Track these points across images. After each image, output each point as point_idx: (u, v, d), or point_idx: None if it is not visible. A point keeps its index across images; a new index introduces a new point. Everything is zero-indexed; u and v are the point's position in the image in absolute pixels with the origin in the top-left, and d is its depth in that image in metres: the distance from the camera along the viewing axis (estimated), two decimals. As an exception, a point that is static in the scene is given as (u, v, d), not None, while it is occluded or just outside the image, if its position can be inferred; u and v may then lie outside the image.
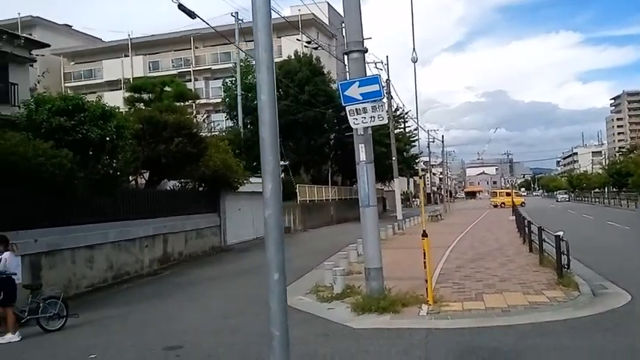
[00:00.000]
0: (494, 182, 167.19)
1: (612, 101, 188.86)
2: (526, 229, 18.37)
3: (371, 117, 9.23)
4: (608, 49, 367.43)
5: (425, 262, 9.49)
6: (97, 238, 14.31)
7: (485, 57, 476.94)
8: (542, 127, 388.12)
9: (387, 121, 9.54)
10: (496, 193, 70.96)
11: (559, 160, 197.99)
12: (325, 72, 40.50)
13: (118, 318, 10.31)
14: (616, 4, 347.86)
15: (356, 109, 9.28)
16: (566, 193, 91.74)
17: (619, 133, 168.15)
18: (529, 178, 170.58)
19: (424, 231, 9.61)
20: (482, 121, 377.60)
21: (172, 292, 12.97)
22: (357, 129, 9.54)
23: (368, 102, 9.22)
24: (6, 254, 8.88)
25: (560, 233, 11.44)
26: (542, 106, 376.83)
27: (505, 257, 15.52)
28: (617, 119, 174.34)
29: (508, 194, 60.69)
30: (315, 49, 35.92)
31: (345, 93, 9.39)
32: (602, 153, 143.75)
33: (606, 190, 72.94)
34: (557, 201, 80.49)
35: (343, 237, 23.94)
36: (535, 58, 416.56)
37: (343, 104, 9.47)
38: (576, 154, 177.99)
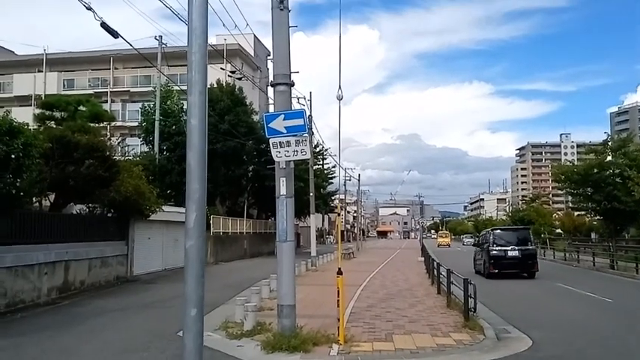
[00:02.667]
0: (406, 223, 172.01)
1: (518, 151, 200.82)
2: (435, 271, 18.84)
3: (294, 151, 9.20)
4: (516, 101, 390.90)
5: (338, 301, 9.45)
6: (-9, 262, 13.29)
7: (402, 101, 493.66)
8: (453, 172, 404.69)
9: (309, 156, 9.56)
10: (445, 234, 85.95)
11: (466, 204, 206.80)
12: (247, 103, 40.44)
13: (10, 350, 9.50)
14: (524, 61, 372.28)
15: (279, 142, 9.24)
16: (472, 237, 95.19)
17: (522, 182, 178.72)
18: (438, 221, 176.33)
19: (339, 269, 9.59)
20: (397, 163, 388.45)
21: (71, 323, 12.16)
22: (279, 162, 9.48)
23: (292, 136, 9.21)
24: None
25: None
26: (453, 152, 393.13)
27: (414, 298, 15.77)
28: (522, 169, 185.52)
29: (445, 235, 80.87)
30: (240, 79, 35.89)
31: (269, 125, 9.33)
32: (507, 200, 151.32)
33: (509, 236, 76.31)
34: (463, 244, 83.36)
35: (256, 271, 23.60)
36: (448, 105, 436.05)
37: (267, 136, 9.39)
38: (483, 199, 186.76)
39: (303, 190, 33.22)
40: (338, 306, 9.43)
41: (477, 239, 27.27)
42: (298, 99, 33.64)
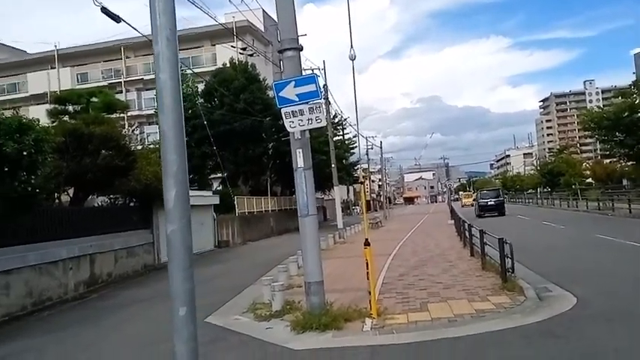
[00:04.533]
0: (432, 187, 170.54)
1: (541, 103, 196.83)
2: (466, 232, 18.28)
3: (308, 119, 8.63)
4: (535, 52, 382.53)
5: (368, 273, 8.99)
6: (15, 262, 13.06)
7: (419, 63, 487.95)
8: (476, 131, 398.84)
9: (325, 124, 8.99)
10: (469, 194, 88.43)
11: (492, 162, 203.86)
12: (261, 79, 39.80)
13: (36, 350, 9.29)
14: (541, 9, 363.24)
15: (292, 111, 8.66)
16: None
17: (548, 135, 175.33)
18: (465, 182, 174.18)
19: (366, 240, 9.09)
20: (419, 127, 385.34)
21: (98, 317, 11.95)
22: (293, 132, 8.93)
23: (304, 103, 8.63)
24: None
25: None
26: (475, 111, 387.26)
27: (447, 262, 15.25)
28: (547, 121, 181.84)
29: (469, 196, 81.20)
30: (251, 55, 35.18)
31: (280, 94, 8.76)
32: (533, 154, 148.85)
33: (538, 190, 75.15)
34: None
35: (283, 249, 23.29)
36: (467, 63, 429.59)
37: (278, 106, 8.85)
38: (509, 156, 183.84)
39: (325, 163, 32.67)
40: (368, 278, 8.96)
41: (475, 196, 51.12)
42: (312, 70, 32.97)
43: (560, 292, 10.20)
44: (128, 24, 16.88)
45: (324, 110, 8.85)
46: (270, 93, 39.86)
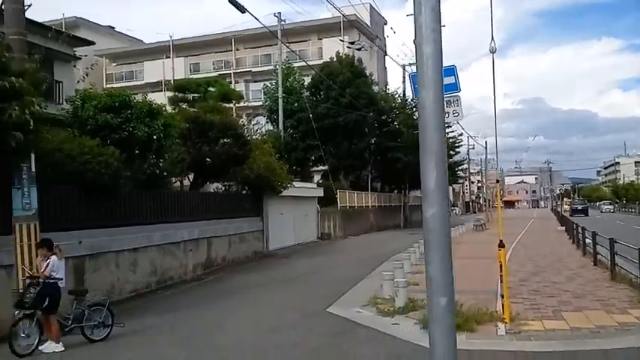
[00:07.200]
0: (534, 191, 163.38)
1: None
2: (587, 239, 17.30)
3: (446, 113, 8.35)
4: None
5: (501, 276, 8.60)
6: (142, 241, 13.69)
7: (522, 63, 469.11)
8: (581, 136, 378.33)
9: (462, 118, 8.67)
10: (568, 202, 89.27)
11: (599, 169, 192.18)
12: (367, 74, 39.62)
13: (163, 328, 9.65)
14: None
15: (429, 103, 8.39)
16: (610, 203, 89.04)
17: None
18: (569, 188, 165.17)
19: (500, 241, 8.69)
20: (520, 129, 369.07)
21: (217, 299, 12.28)
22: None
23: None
24: (52, 258, 8.24)
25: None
26: (581, 114, 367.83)
27: (569, 270, 14.48)
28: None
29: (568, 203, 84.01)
30: (359, 49, 35.06)
31: (417, 85, 8.51)
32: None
33: (655, 202, 70.21)
34: (601, 212, 78.12)
35: (386, 245, 23.11)
36: (573, 65, 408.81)
37: (415, 97, 8.63)
38: (618, 163, 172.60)
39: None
40: (501, 281, 8.58)
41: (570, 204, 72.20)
42: (411, 65, 32.29)
43: None
44: (252, 15, 17.32)
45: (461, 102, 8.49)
46: (375, 88, 39.64)
